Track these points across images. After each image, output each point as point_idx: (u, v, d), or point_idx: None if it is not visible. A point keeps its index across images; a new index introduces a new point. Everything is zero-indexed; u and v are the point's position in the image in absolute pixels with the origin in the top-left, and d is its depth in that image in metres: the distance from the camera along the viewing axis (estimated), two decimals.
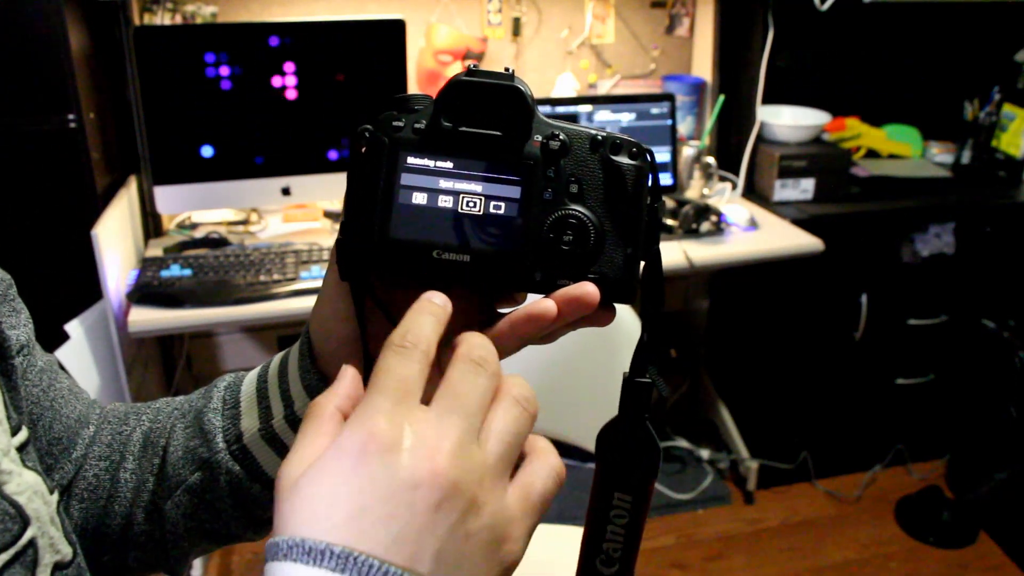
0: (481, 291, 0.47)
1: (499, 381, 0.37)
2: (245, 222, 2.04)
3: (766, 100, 2.25)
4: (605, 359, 1.51)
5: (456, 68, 2.14)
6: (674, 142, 2.19)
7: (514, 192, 0.44)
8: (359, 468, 0.32)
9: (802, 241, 1.99)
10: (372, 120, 0.45)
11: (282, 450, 0.54)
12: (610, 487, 0.49)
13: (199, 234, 1.96)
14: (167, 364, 2.14)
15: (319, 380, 0.51)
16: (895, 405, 2.44)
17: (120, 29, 1.81)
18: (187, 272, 1.69)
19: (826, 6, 2.10)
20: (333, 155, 1.92)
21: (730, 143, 2.35)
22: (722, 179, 2.27)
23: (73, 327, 1.61)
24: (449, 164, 0.44)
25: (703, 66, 2.34)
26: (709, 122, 2.26)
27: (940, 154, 2.53)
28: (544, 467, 0.37)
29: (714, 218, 1.96)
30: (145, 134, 1.81)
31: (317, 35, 1.84)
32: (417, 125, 0.44)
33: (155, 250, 1.88)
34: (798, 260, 1.98)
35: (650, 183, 0.45)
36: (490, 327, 0.45)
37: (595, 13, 2.27)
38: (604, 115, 2.14)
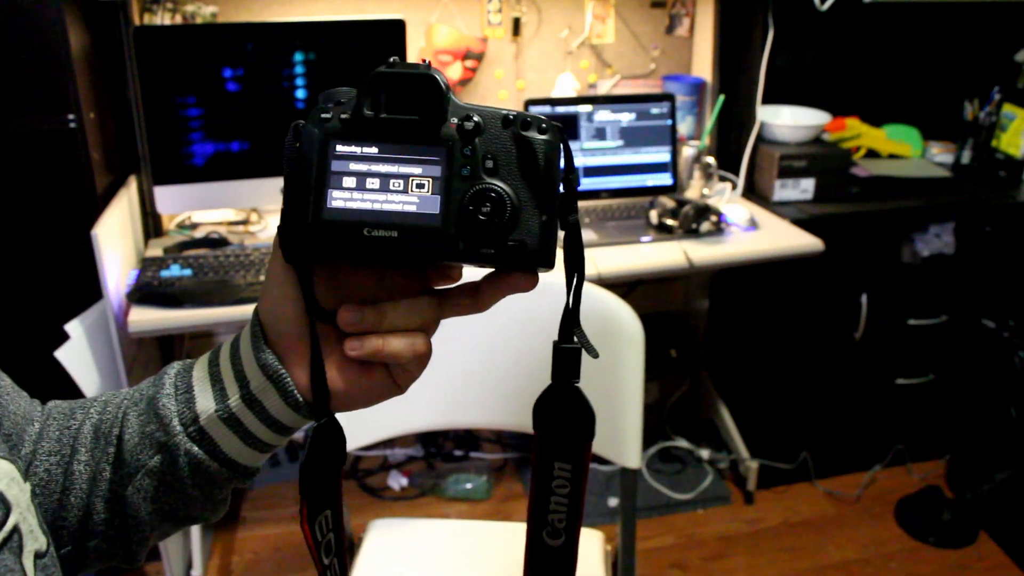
0: (409, 263, 0.51)
1: None
2: (245, 222, 2.04)
3: (766, 100, 2.25)
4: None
5: (456, 68, 2.15)
6: (674, 142, 2.19)
7: (435, 171, 0.47)
8: None
9: (802, 241, 1.99)
10: (303, 116, 0.49)
11: (240, 430, 0.56)
12: (549, 457, 0.52)
13: (199, 234, 1.96)
14: (167, 364, 2.14)
15: (273, 358, 0.54)
16: (895, 405, 2.44)
17: (120, 29, 1.81)
18: (187, 272, 1.69)
19: (826, 6, 2.10)
20: None
21: (730, 143, 2.35)
22: (722, 179, 2.27)
23: (73, 327, 1.62)
24: (374, 149, 0.48)
25: (703, 66, 2.34)
26: (709, 122, 2.26)
27: (940, 154, 2.53)
28: None
29: (714, 218, 1.96)
30: (145, 134, 1.82)
31: (317, 35, 1.84)
32: (343, 116, 0.48)
33: (155, 250, 1.88)
34: (798, 260, 1.98)
35: (563, 156, 0.48)
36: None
37: (595, 13, 2.27)
38: (604, 115, 2.14)
